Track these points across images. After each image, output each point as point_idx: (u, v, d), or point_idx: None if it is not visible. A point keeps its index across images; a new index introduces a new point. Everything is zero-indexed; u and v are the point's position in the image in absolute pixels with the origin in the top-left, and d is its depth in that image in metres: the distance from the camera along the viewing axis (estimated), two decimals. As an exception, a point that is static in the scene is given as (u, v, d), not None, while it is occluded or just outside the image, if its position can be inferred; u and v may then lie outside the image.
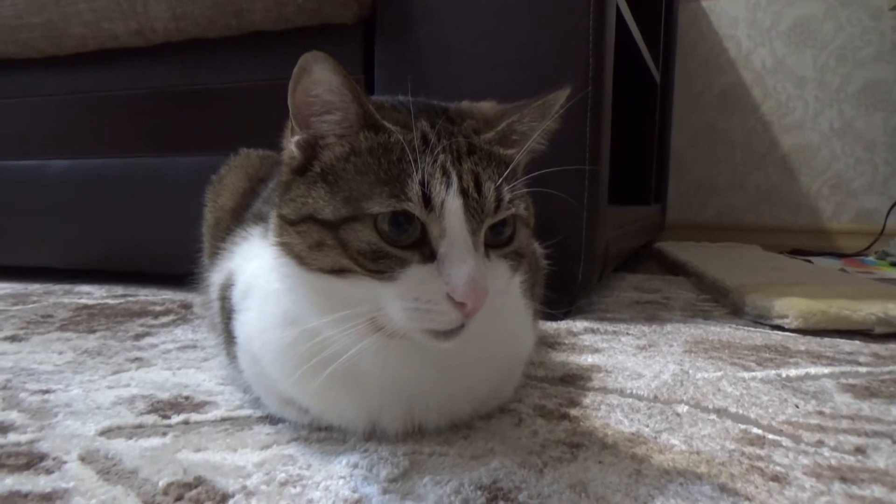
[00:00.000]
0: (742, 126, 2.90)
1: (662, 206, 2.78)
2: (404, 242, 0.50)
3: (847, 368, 0.87)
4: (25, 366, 0.86)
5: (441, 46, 1.21)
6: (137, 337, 1.04)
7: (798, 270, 1.73)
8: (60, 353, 0.93)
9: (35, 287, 1.56)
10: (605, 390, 0.77)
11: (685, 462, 0.56)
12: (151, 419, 0.66)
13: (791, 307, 1.11)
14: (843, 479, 0.53)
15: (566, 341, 1.02)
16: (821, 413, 0.69)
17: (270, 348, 0.61)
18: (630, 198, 2.39)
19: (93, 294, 1.47)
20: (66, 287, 1.56)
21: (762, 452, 0.59)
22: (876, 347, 1.00)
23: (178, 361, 0.89)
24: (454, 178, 0.50)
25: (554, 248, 0.94)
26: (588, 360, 0.91)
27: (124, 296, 1.45)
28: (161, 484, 0.52)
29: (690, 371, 0.85)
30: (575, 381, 0.81)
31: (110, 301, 1.38)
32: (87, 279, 1.65)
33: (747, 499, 0.50)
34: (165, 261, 1.46)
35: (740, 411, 0.69)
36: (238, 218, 0.86)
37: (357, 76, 1.29)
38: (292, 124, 0.56)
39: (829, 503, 0.49)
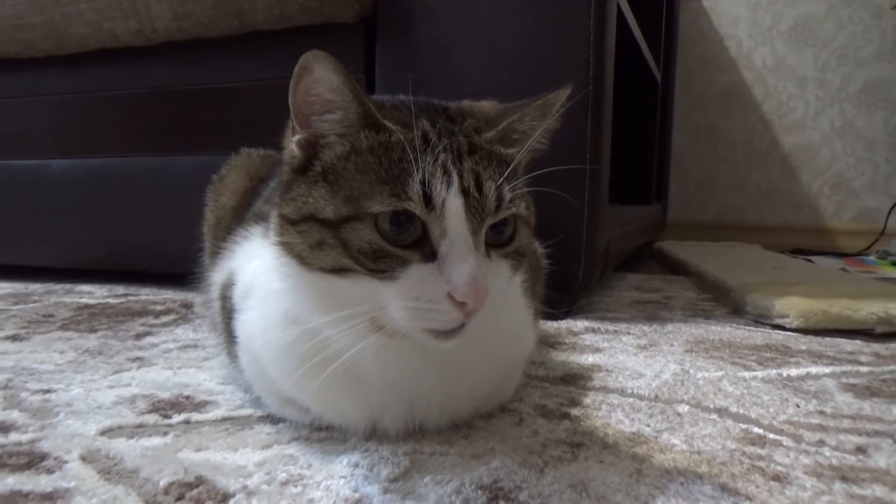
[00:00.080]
0: (743, 125, 2.90)
1: (663, 205, 2.78)
2: (405, 242, 0.50)
3: (848, 368, 0.87)
4: (26, 365, 0.87)
5: (442, 46, 1.21)
6: (138, 336, 1.04)
7: (799, 270, 1.73)
8: (61, 352, 0.93)
9: (36, 286, 1.56)
10: (605, 390, 0.77)
11: (686, 462, 0.56)
12: (152, 419, 0.66)
13: (792, 307, 1.11)
14: (844, 479, 0.53)
15: (567, 341, 1.02)
16: (822, 413, 0.69)
17: (271, 348, 0.61)
18: (631, 197, 2.39)
19: (94, 293, 1.47)
20: (67, 286, 1.56)
21: (763, 452, 0.58)
22: (877, 347, 1.00)
23: (178, 361, 0.89)
24: (455, 178, 0.50)
25: (555, 247, 0.94)
26: (589, 359, 0.91)
27: (125, 295, 1.45)
28: (162, 483, 0.52)
29: (691, 371, 0.85)
30: (576, 380, 0.81)
31: (111, 300, 1.38)
32: (88, 278, 1.65)
33: (748, 498, 0.50)
34: (166, 260, 1.46)
35: (741, 411, 0.69)
36: (239, 217, 0.86)
37: (358, 75, 1.29)
38: (293, 123, 0.56)
39: (830, 503, 0.49)
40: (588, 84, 1.11)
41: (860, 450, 0.59)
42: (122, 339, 1.02)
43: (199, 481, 0.52)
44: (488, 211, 0.52)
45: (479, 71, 1.19)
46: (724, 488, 0.51)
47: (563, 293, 1.11)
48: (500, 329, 0.63)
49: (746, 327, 1.14)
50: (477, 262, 0.50)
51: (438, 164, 0.51)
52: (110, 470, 0.54)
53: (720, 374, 0.84)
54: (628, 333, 1.08)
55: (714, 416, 0.68)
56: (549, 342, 1.00)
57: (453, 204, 0.50)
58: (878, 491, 0.51)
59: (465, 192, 0.50)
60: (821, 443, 0.61)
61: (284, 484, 0.52)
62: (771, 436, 0.62)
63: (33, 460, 0.56)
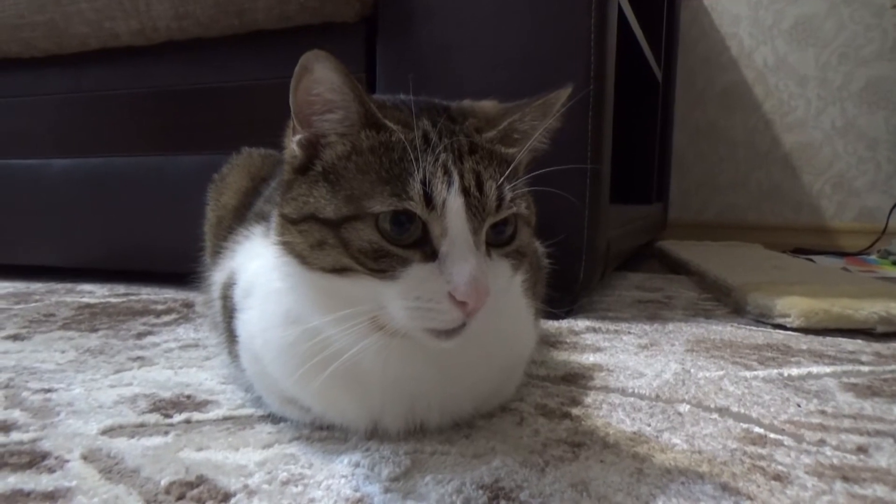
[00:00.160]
0: (744, 124, 2.89)
1: (664, 204, 2.77)
2: (406, 241, 0.50)
3: (849, 367, 0.87)
4: (28, 365, 0.87)
5: (442, 45, 1.21)
6: (139, 336, 1.04)
7: (800, 269, 1.73)
8: (63, 351, 0.94)
9: (37, 286, 1.56)
10: (606, 389, 0.77)
11: (687, 461, 0.56)
12: (153, 418, 0.66)
13: (793, 306, 1.11)
14: (845, 479, 0.53)
15: (568, 340, 1.02)
16: (823, 412, 0.69)
17: (272, 347, 0.61)
18: (632, 196, 2.39)
19: (95, 293, 1.47)
20: (69, 286, 1.56)
21: (764, 451, 0.58)
22: (878, 346, 1.00)
23: (180, 360, 0.89)
24: (455, 177, 0.50)
25: (555, 246, 0.94)
26: (590, 358, 0.91)
27: (126, 294, 1.45)
28: (163, 483, 0.52)
29: (692, 370, 0.85)
30: (576, 379, 0.81)
31: (112, 300, 1.38)
32: (89, 278, 1.65)
33: (749, 498, 0.50)
34: (167, 259, 1.46)
35: (742, 410, 0.69)
36: (240, 217, 0.86)
37: (358, 75, 1.29)
38: (294, 123, 0.56)
39: (831, 502, 0.49)
40: (589, 83, 1.11)
41: (861, 449, 0.59)
42: (123, 338, 1.02)
43: (200, 481, 0.52)
44: (489, 210, 0.52)
45: (480, 70, 1.19)
46: (724, 488, 0.51)
47: (564, 292, 1.11)
48: (501, 329, 0.63)
49: (747, 327, 1.14)
50: (478, 262, 0.50)
51: (439, 163, 0.51)
52: (111, 469, 0.54)
53: (721, 373, 0.84)
54: (629, 333, 1.08)
55: (715, 416, 0.68)
56: (550, 341, 1.00)
57: (454, 203, 0.50)
58: (880, 491, 0.51)
59: (465, 191, 0.50)
60: (822, 442, 0.61)
61: (285, 483, 0.52)
62: (772, 435, 0.62)
63: (34, 459, 0.56)
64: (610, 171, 1.27)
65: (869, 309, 1.07)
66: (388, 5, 1.26)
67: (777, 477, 0.53)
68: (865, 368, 0.87)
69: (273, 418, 0.66)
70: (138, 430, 0.64)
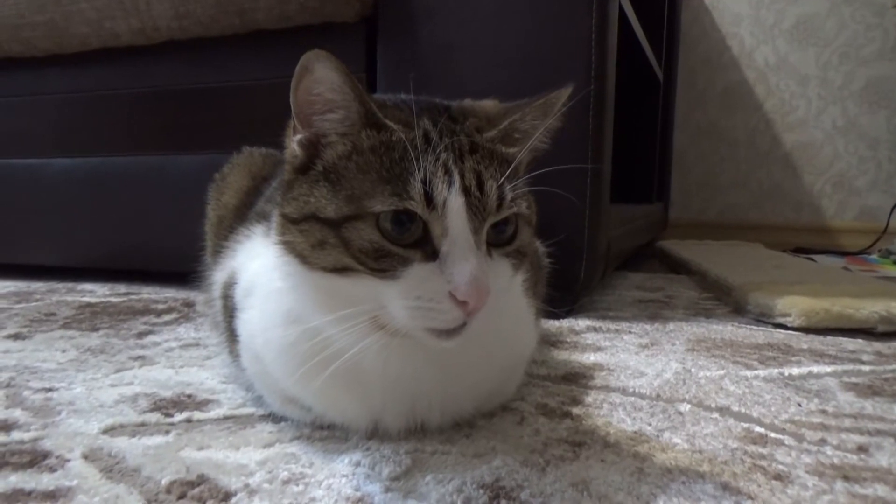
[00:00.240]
0: (745, 124, 2.89)
1: (665, 204, 2.77)
2: (406, 241, 0.50)
3: (850, 367, 0.87)
4: (29, 364, 0.87)
5: (443, 45, 1.21)
6: (140, 335, 1.04)
7: (801, 269, 1.73)
8: (63, 351, 0.94)
9: (38, 285, 1.56)
10: (607, 389, 0.77)
11: (687, 461, 0.56)
12: (154, 417, 0.66)
13: (794, 305, 1.11)
14: (846, 478, 0.53)
15: (568, 340, 1.02)
16: (823, 412, 0.69)
17: (273, 347, 0.61)
18: (632, 196, 2.38)
19: (96, 292, 1.47)
20: (69, 285, 1.56)
21: (765, 451, 0.58)
22: (879, 346, 1.00)
23: (180, 360, 0.89)
24: (456, 177, 0.50)
25: (556, 246, 0.94)
26: (590, 358, 0.91)
27: (127, 294, 1.45)
28: (164, 482, 0.52)
29: (693, 370, 0.85)
30: (577, 379, 0.81)
31: (113, 299, 1.38)
32: (90, 277, 1.66)
33: (750, 497, 0.50)
34: (168, 259, 1.46)
35: (743, 410, 0.69)
36: (241, 216, 0.86)
37: (359, 75, 1.29)
38: (294, 123, 0.56)
39: (832, 502, 0.49)
40: (590, 83, 1.11)
41: (862, 449, 0.59)
42: (123, 337, 1.02)
43: (201, 480, 0.52)
44: (490, 210, 0.52)
45: (481, 70, 1.19)
46: (725, 487, 0.51)
47: (564, 292, 1.11)
48: (502, 328, 0.63)
49: (748, 326, 1.14)
50: (478, 262, 0.50)
51: (440, 163, 0.51)
52: (112, 468, 0.54)
53: (722, 372, 0.84)
54: (630, 332, 1.08)
55: (716, 415, 0.68)
56: (550, 341, 1.00)
57: (455, 203, 0.50)
58: (880, 490, 0.51)
59: (466, 191, 0.50)
60: (822, 442, 0.61)
61: (286, 482, 0.52)
62: (773, 435, 0.62)
63: (35, 459, 0.56)
64: (611, 171, 1.27)
65: (870, 308, 1.07)
66: (389, 5, 1.26)
67: (778, 476, 0.53)
68: (866, 368, 0.87)
69: (274, 417, 0.66)
70: (139, 429, 0.64)
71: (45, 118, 1.61)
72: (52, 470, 0.54)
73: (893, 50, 2.65)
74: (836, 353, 0.95)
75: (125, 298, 1.39)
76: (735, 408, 0.70)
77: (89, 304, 1.31)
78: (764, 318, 1.17)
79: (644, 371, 0.84)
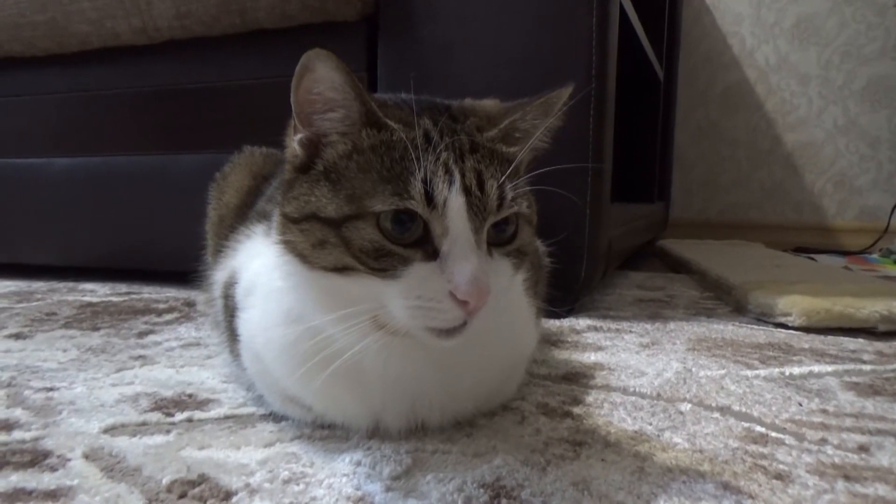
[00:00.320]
0: (746, 123, 2.89)
1: (666, 203, 2.77)
2: (407, 240, 0.50)
3: (851, 366, 0.87)
4: (30, 363, 0.87)
5: (444, 44, 1.21)
6: (141, 335, 1.04)
7: (801, 268, 1.73)
8: (64, 350, 0.94)
9: (39, 285, 1.56)
10: (608, 388, 0.77)
11: (688, 460, 0.56)
12: (155, 417, 0.66)
13: (794, 305, 1.11)
14: (847, 478, 0.53)
15: (569, 339, 1.02)
16: (824, 411, 0.69)
17: (273, 346, 0.61)
18: (633, 195, 2.38)
19: (97, 292, 1.47)
20: (70, 285, 1.57)
21: (765, 450, 0.58)
22: (879, 345, 1.00)
23: (181, 359, 0.89)
24: (457, 176, 0.50)
25: (557, 245, 0.94)
26: (591, 357, 0.91)
27: (128, 293, 1.45)
28: (165, 481, 0.52)
29: (693, 369, 0.85)
30: (578, 378, 0.81)
31: (114, 299, 1.38)
32: (91, 277, 1.66)
33: (750, 497, 0.50)
34: (169, 258, 1.46)
35: (743, 409, 0.69)
36: (242, 216, 0.86)
37: (360, 74, 1.29)
38: (295, 122, 0.56)
39: (833, 501, 0.49)
40: (590, 82, 1.11)
41: (863, 448, 0.59)
42: (124, 337, 1.02)
43: (202, 479, 0.52)
44: (490, 210, 0.52)
45: (481, 70, 1.19)
46: (726, 487, 0.51)
47: (565, 291, 1.11)
48: (502, 327, 0.63)
49: (749, 326, 1.14)
50: (479, 261, 0.50)
51: (440, 162, 0.51)
52: (113, 468, 0.54)
53: (722, 372, 0.84)
54: (630, 332, 1.08)
55: (716, 415, 0.68)
56: (551, 340, 1.00)
57: (455, 203, 0.50)
58: (881, 490, 0.51)
59: (466, 190, 0.50)
60: (823, 441, 0.61)
61: (287, 482, 0.52)
62: (773, 434, 0.62)
63: (36, 458, 0.56)
64: (611, 170, 1.27)
65: (871, 308, 1.07)
66: (390, 4, 1.26)
67: (778, 476, 0.53)
68: (867, 367, 0.87)
69: (274, 417, 0.66)
70: (140, 428, 0.64)
71: (45, 118, 1.61)
72: (53, 469, 0.54)
73: (894, 49, 2.65)
74: (837, 352, 0.95)
75: (126, 298, 1.39)
76: (736, 407, 0.70)
77: (90, 304, 1.31)
78: (765, 318, 1.17)
79: (645, 370, 0.84)
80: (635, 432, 0.63)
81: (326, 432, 0.62)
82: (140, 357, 0.90)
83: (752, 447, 0.59)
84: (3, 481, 0.52)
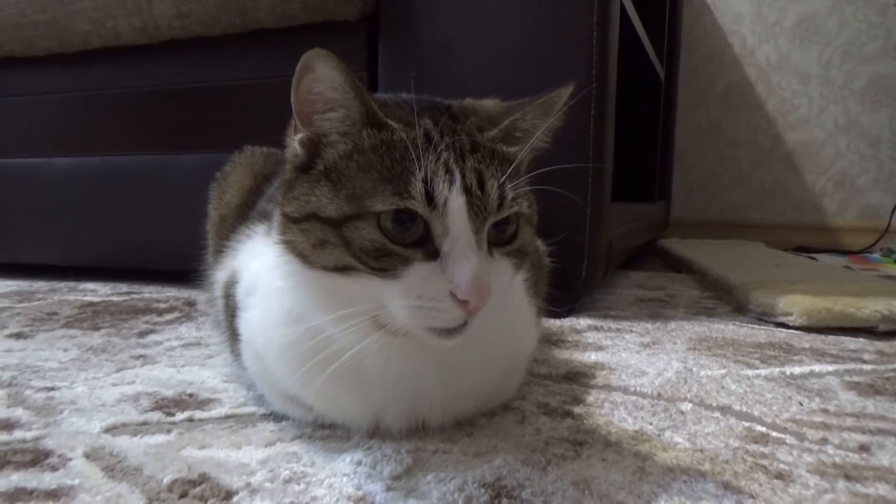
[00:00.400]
0: (746, 123, 2.89)
1: (666, 203, 2.77)
2: (407, 240, 0.50)
3: (851, 366, 0.87)
4: (30, 363, 0.87)
5: (444, 44, 1.21)
6: (142, 334, 1.04)
7: (802, 268, 1.73)
8: (65, 350, 0.94)
9: (40, 284, 1.56)
10: (608, 388, 0.77)
11: (689, 460, 0.56)
12: (156, 416, 0.66)
13: (795, 304, 1.11)
14: (848, 477, 0.53)
15: (570, 339, 1.02)
16: (825, 411, 0.69)
17: (274, 346, 0.61)
18: (634, 195, 2.38)
19: (97, 291, 1.47)
20: (71, 284, 1.57)
21: (766, 450, 0.58)
22: (880, 345, 1.00)
23: (182, 359, 0.90)
24: (457, 176, 0.50)
25: (557, 245, 0.94)
26: (591, 357, 0.91)
27: (129, 293, 1.45)
28: (165, 481, 0.52)
29: (694, 369, 0.85)
30: (578, 378, 0.81)
31: (115, 298, 1.38)
32: (92, 276, 1.66)
33: (751, 496, 0.50)
34: (170, 258, 1.46)
35: (744, 409, 0.69)
36: (243, 216, 0.87)
37: (360, 73, 1.29)
38: (295, 122, 0.56)
39: (833, 501, 0.49)
40: (591, 82, 1.11)
41: (863, 448, 0.59)
42: (125, 336, 1.02)
43: (203, 479, 0.52)
44: (490, 209, 0.52)
45: (482, 69, 1.19)
46: (727, 486, 0.51)
47: (565, 291, 1.11)
48: (503, 327, 0.63)
49: (749, 325, 1.14)
50: (479, 261, 0.50)
51: (441, 162, 0.51)
52: (114, 467, 0.54)
53: (723, 372, 0.84)
54: (631, 331, 1.08)
55: (717, 415, 0.68)
56: (551, 340, 1.00)
57: (455, 202, 0.50)
58: (882, 489, 0.51)
59: (467, 190, 0.50)
60: (824, 441, 0.61)
61: (287, 481, 0.52)
62: (774, 434, 0.62)
63: (37, 457, 0.56)
64: (612, 170, 1.27)
65: (871, 307, 1.07)
66: (390, 4, 1.25)
67: (779, 475, 0.53)
68: (868, 367, 0.87)
69: (275, 417, 0.66)
70: (141, 428, 0.64)
71: (46, 117, 1.61)
72: (53, 469, 0.54)
73: (895, 49, 2.65)
74: (838, 352, 0.95)
75: (127, 297, 1.39)
76: (736, 407, 0.70)
77: (91, 304, 1.31)
78: (765, 317, 1.17)
79: (645, 370, 0.84)
80: (636, 432, 0.63)
81: (327, 432, 0.62)
82: (141, 357, 0.90)
83: (753, 447, 0.59)
84: (4, 481, 0.52)
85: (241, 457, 0.57)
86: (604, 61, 1.12)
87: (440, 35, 1.21)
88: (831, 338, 1.04)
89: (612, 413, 0.68)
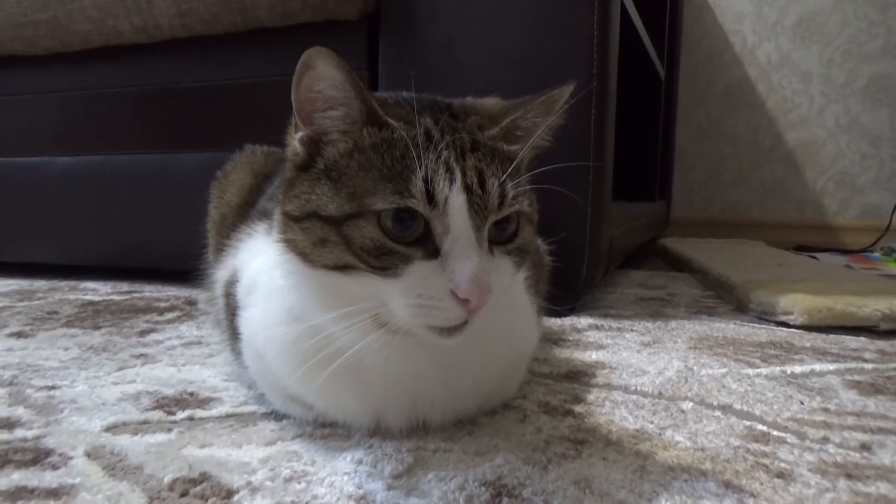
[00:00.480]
0: (747, 122, 2.89)
1: (667, 202, 2.77)
2: (408, 239, 0.50)
3: (852, 365, 0.87)
4: (31, 362, 0.87)
5: (445, 43, 1.20)
6: (142, 333, 1.04)
7: (803, 267, 1.73)
8: (66, 349, 0.94)
9: (40, 283, 1.56)
10: (609, 387, 0.77)
11: (690, 459, 0.56)
12: (157, 415, 0.66)
13: (796, 303, 1.11)
14: (849, 476, 0.53)
15: (570, 338, 1.02)
16: (826, 410, 0.69)
17: (275, 344, 0.61)
18: (634, 194, 2.38)
19: (98, 290, 1.47)
20: (72, 283, 1.57)
21: (767, 449, 0.58)
22: (881, 344, 1.00)
23: (183, 358, 0.90)
24: (458, 175, 0.50)
25: (558, 244, 0.94)
26: (592, 356, 0.91)
27: (129, 292, 1.45)
28: (166, 479, 0.52)
29: (695, 368, 0.85)
30: (579, 377, 0.81)
31: (115, 297, 1.38)
32: (93, 276, 1.66)
33: (752, 495, 0.50)
34: (170, 257, 1.46)
35: (745, 408, 0.69)
36: (243, 214, 0.87)
37: (361, 72, 1.29)
38: (296, 120, 0.56)
39: (834, 500, 0.49)
40: (591, 81, 1.11)
41: (864, 447, 0.59)
42: (126, 335, 1.03)
43: (204, 477, 0.52)
44: (491, 208, 0.52)
45: (482, 68, 1.19)
46: (727, 485, 0.51)
47: (566, 290, 1.11)
48: (503, 326, 0.63)
49: (750, 324, 1.14)
50: (480, 260, 0.50)
51: (441, 161, 0.51)
52: (115, 466, 0.54)
53: (724, 371, 0.83)
54: (632, 330, 1.08)
55: (718, 413, 0.68)
56: (552, 339, 1.00)
57: (456, 201, 0.50)
58: (883, 488, 0.51)
59: (467, 189, 0.50)
60: (825, 440, 0.61)
61: (288, 480, 0.52)
62: (775, 433, 0.62)
63: (38, 456, 0.56)
64: (612, 169, 1.26)
65: (872, 306, 1.07)
66: (391, 3, 1.25)
67: (780, 474, 0.53)
68: (869, 366, 0.87)
69: (276, 415, 0.66)
70: (142, 427, 0.64)
71: (47, 116, 1.61)
72: (54, 468, 0.54)
73: (896, 47, 2.65)
74: (839, 351, 0.95)
75: (127, 297, 1.39)
76: (737, 406, 0.70)
77: (91, 303, 1.31)
78: (766, 316, 1.17)
79: (646, 369, 0.84)
80: (637, 431, 0.63)
81: (328, 431, 0.62)
82: (141, 355, 0.90)
83: (754, 446, 0.59)
84: (5, 480, 0.52)
85: (242, 455, 0.57)
86: (604, 60, 1.12)
87: (441, 34, 1.21)
88: (832, 337, 1.04)
89: (612, 412, 0.68)
